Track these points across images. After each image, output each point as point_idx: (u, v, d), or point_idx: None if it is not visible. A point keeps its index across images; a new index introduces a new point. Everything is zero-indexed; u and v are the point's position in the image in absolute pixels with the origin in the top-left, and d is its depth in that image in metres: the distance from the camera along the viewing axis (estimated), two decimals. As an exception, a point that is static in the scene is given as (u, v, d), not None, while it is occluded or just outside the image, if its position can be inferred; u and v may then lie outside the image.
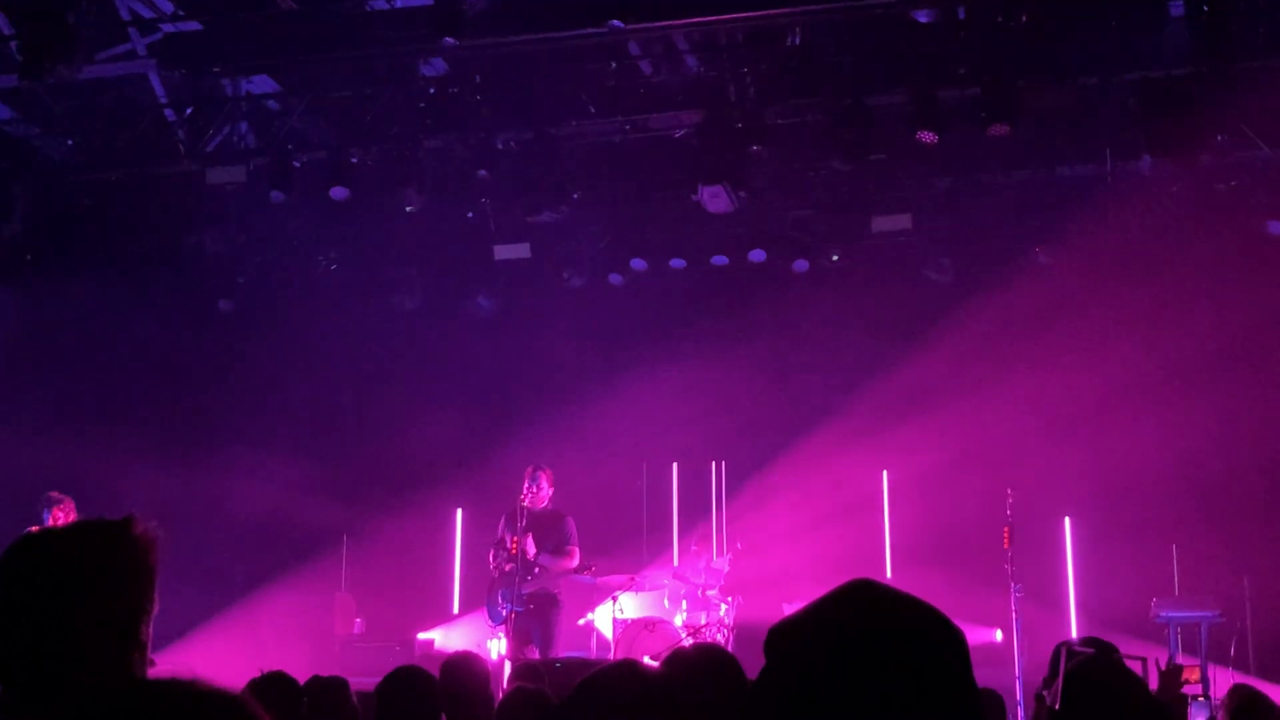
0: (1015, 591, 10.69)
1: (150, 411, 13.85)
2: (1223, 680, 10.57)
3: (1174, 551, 12.08)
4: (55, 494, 10.77)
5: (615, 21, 10.15)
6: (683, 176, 12.00)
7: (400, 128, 11.92)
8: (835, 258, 13.32)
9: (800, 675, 1.66)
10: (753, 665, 1.98)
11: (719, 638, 11.18)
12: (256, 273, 14.10)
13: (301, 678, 5.67)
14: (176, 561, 2.33)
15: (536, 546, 10.85)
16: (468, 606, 12.99)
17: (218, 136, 12.51)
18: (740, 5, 10.41)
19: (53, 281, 13.53)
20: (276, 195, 11.92)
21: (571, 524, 11.14)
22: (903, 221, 12.65)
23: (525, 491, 10.92)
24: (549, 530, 11.01)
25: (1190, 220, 12.18)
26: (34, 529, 10.31)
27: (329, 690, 5.60)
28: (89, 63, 10.65)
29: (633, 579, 11.97)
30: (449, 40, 10.29)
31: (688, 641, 10.79)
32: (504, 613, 10.78)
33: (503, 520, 11.15)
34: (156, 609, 2.24)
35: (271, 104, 12.65)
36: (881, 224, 12.67)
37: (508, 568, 10.81)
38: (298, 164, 12.08)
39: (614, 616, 11.66)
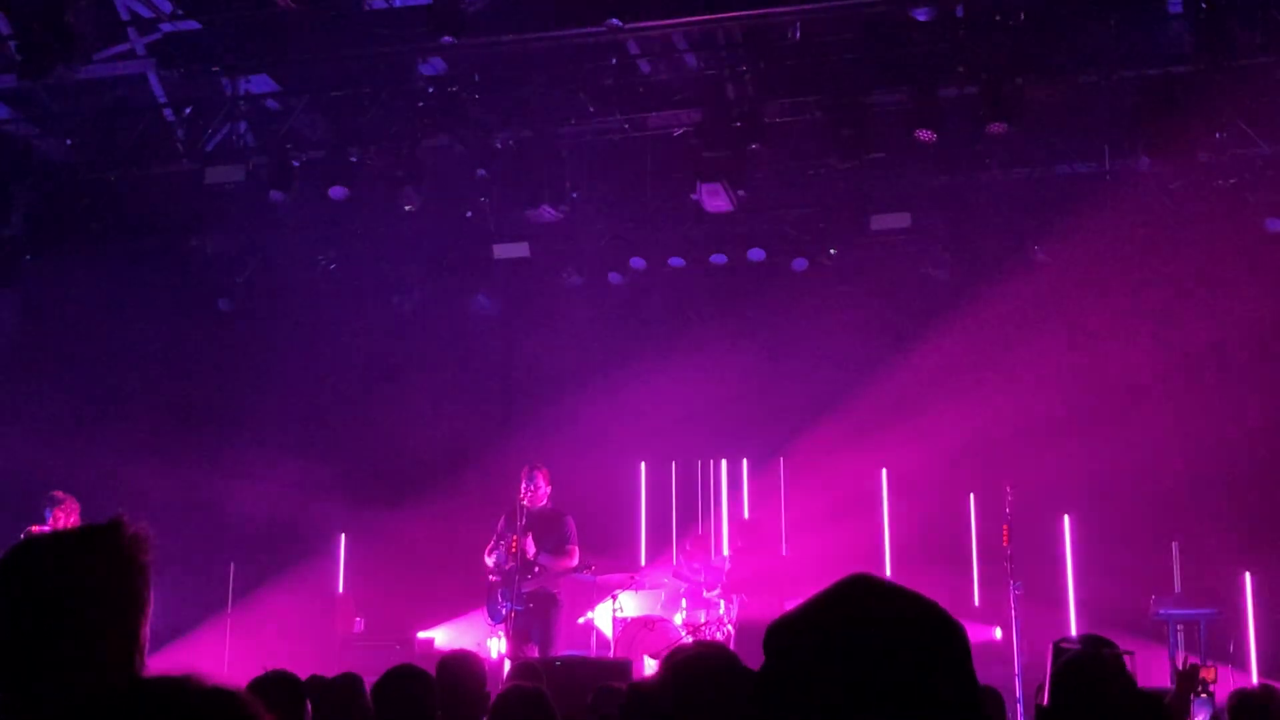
0: (1015, 589, 10.70)
1: (150, 411, 13.85)
2: (1222, 678, 10.59)
3: (1173, 549, 12.08)
4: (59, 493, 10.79)
5: (614, 20, 10.15)
6: (682, 175, 12.01)
7: (399, 127, 11.92)
8: (833, 251, 13.31)
9: (799, 671, 1.66)
10: (753, 663, 1.98)
11: (719, 636, 11.19)
12: (256, 272, 14.10)
13: (302, 676, 5.67)
14: (177, 560, 2.34)
15: (536, 546, 10.86)
16: (467, 605, 12.99)
17: (217, 136, 12.51)
18: (739, 4, 10.42)
19: (52, 281, 13.54)
20: (276, 195, 11.92)
21: (571, 523, 11.14)
22: (902, 220, 12.65)
23: (523, 491, 10.92)
24: (548, 529, 11.02)
25: (1189, 218, 12.18)
26: (35, 528, 10.40)
27: (343, 689, 5.60)
28: (88, 62, 10.66)
29: (632, 577, 11.99)
30: (448, 39, 10.29)
31: (687, 640, 10.81)
32: (504, 611, 10.79)
33: (502, 519, 11.15)
34: (152, 607, 2.26)
35: (271, 103, 12.65)
36: (880, 222, 12.67)
37: (508, 567, 10.82)
38: (297, 163, 12.08)
39: (614, 615, 11.68)
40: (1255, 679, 11.27)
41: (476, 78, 11.84)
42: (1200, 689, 7.39)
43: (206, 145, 12.44)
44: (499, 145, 11.91)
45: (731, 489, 14.27)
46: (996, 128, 10.62)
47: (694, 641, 9.05)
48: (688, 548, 13.17)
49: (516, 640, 10.57)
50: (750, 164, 11.59)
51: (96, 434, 12.91)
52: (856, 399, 13.23)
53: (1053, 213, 12.49)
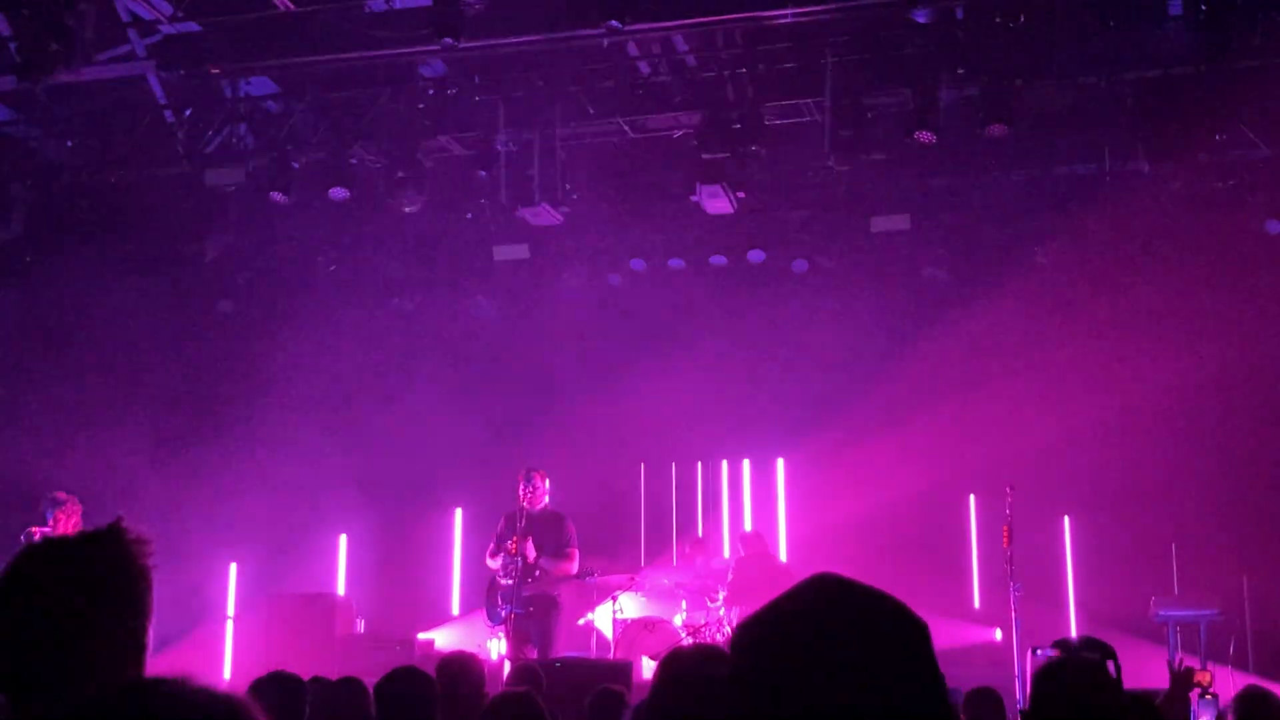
0: (1015, 590, 10.69)
1: (150, 412, 13.84)
2: (1221, 679, 10.59)
3: (1173, 551, 12.10)
4: (60, 494, 10.78)
5: (613, 22, 10.14)
6: (681, 177, 12.01)
7: (399, 128, 11.93)
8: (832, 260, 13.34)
9: (764, 667, 1.66)
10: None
11: (719, 638, 11.19)
12: (256, 273, 14.11)
13: (303, 677, 5.67)
14: (176, 561, 2.36)
15: (536, 549, 10.85)
16: (467, 607, 13.00)
17: (217, 137, 12.52)
18: (738, 6, 10.42)
19: (52, 282, 13.53)
20: (276, 196, 11.93)
21: (571, 526, 11.13)
22: (901, 221, 12.66)
23: (522, 493, 10.91)
24: (549, 532, 11.01)
25: (1189, 219, 12.18)
26: (35, 529, 10.40)
27: (346, 693, 5.60)
28: (88, 64, 10.66)
29: (632, 579, 11.98)
30: (448, 41, 10.29)
31: (688, 641, 10.80)
32: (503, 613, 10.78)
33: (502, 521, 11.14)
34: (154, 610, 2.28)
35: (270, 105, 12.65)
36: (880, 224, 12.68)
37: (510, 572, 10.77)
38: (297, 165, 12.09)
39: (614, 616, 11.67)
40: (1255, 680, 11.26)
41: (476, 79, 11.85)
42: (1203, 691, 7.40)
43: (207, 147, 12.45)
44: (499, 147, 11.91)
45: (732, 491, 14.27)
46: (996, 129, 10.62)
47: (693, 644, 9.06)
48: (688, 549, 13.17)
49: (516, 642, 10.56)
50: (750, 165, 11.60)
51: (97, 435, 12.91)
52: (856, 400, 13.23)
53: (1052, 214, 12.50)
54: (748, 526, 13.78)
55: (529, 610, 10.69)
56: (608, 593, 11.82)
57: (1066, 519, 12.97)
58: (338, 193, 11.88)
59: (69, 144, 12.83)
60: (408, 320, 14.25)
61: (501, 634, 10.87)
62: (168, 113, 12.43)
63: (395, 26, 11.02)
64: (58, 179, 12.86)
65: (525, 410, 14.01)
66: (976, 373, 12.74)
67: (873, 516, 13.67)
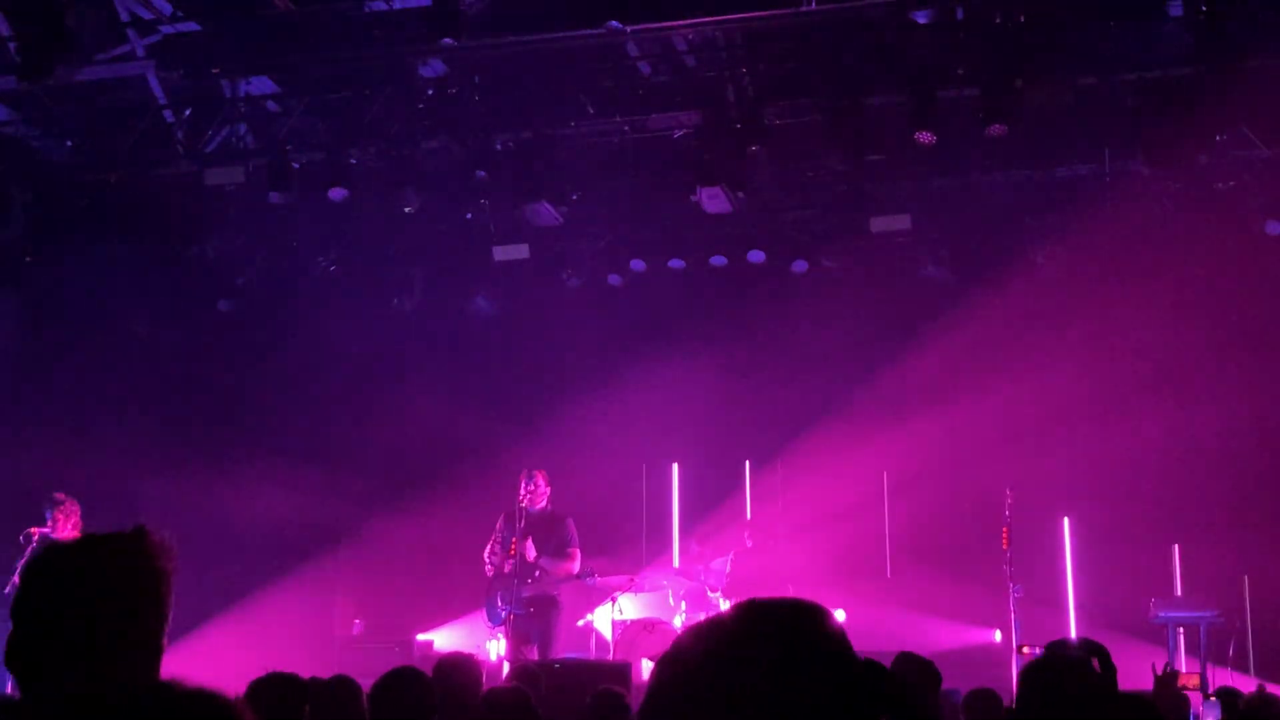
0: (1014, 592, 10.69)
1: (149, 412, 13.84)
2: (1222, 681, 10.57)
3: (1173, 552, 12.08)
4: (59, 495, 10.79)
5: (613, 22, 10.15)
6: (681, 177, 12.00)
7: (399, 128, 11.92)
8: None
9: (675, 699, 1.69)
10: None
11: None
12: (256, 273, 14.11)
13: (301, 677, 5.66)
14: (176, 561, 2.36)
15: (536, 549, 10.84)
16: (467, 608, 12.99)
17: (216, 137, 12.52)
18: (738, 6, 10.41)
19: (52, 282, 13.53)
20: (275, 196, 11.92)
21: (572, 526, 11.12)
22: (901, 222, 12.65)
23: (523, 493, 10.91)
24: (549, 532, 11.00)
25: (1188, 220, 12.18)
26: (35, 530, 10.40)
27: (338, 694, 5.59)
28: (88, 64, 10.67)
29: (632, 580, 11.97)
30: (447, 41, 10.30)
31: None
32: (503, 614, 10.78)
33: (501, 519, 11.14)
34: (171, 614, 2.30)
35: (270, 105, 12.65)
36: (880, 224, 12.67)
37: (507, 568, 10.80)
38: (296, 165, 12.08)
39: (613, 618, 11.66)
40: (1256, 682, 11.25)
41: (476, 79, 11.84)
42: (1208, 694, 7.40)
43: (206, 146, 12.44)
44: (498, 147, 11.91)
45: (732, 491, 14.25)
46: (996, 130, 10.61)
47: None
48: (694, 549, 13.16)
49: (516, 643, 10.56)
50: (750, 166, 11.59)
51: (96, 435, 12.90)
52: (856, 401, 13.23)
53: (1052, 215, 12.49)
54: (748, 522, 13.77)
55: (529, 610, 10.69)
56: (607, 594, 11.81)
57: (1066, 520, 12.95)
58: (337, 193, 11.87)
59: (69, 144, 12.83)
60: (407, 320, 14.24)
61: (501, 635, 10.86)
62: (167, 113, 12.42)
63: (395, 26, 11.03)
64: (57, 179, 12.86)
65: (525, 410, 14.00)
66: (976, 373, 12.72)
67: (873, 517, 13.67)
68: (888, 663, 6.71)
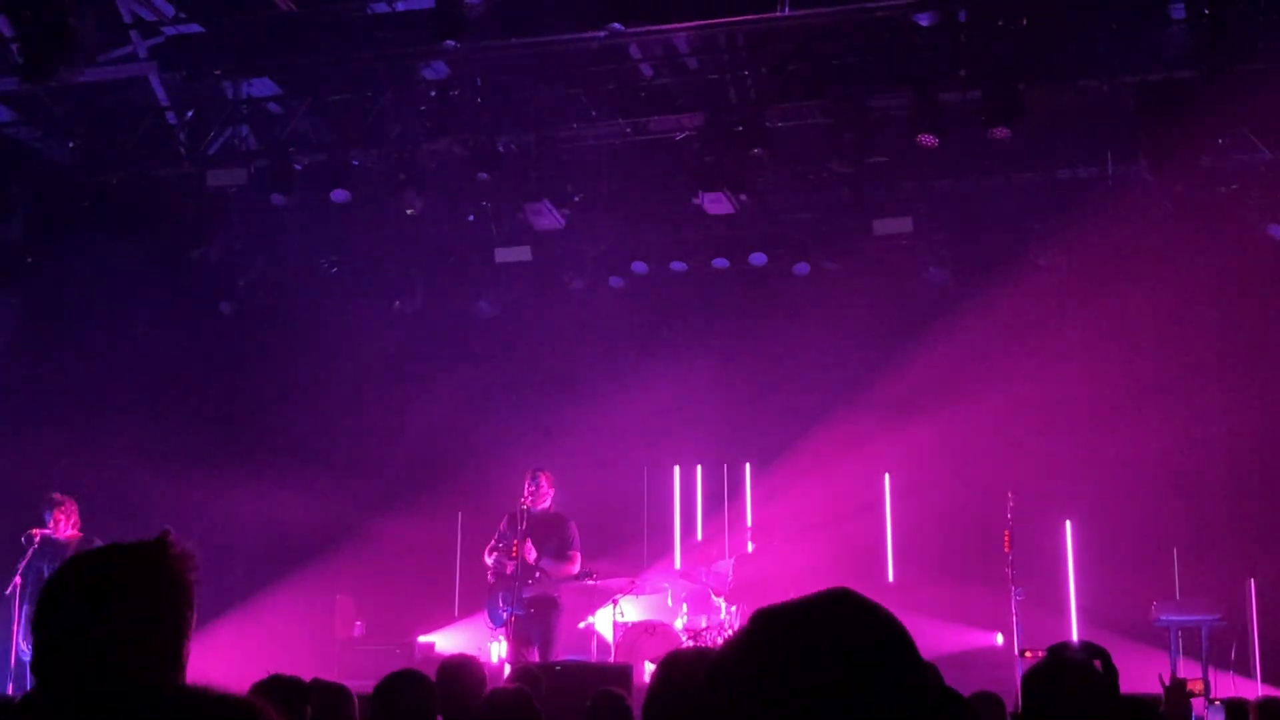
0: (1016, 595, 10.68)
1: (150, 413, 13.83)
2: (1223, 685, 10.57)
3: (1175, 555, 12.07)
4: (57, 495, 10.79)
5: (616, 24, 10.15)
6: (683, 179, 12.00)
7: (401, 130, 11.93)
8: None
9: (771, 663, 1.70)
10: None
11: (720, 641, 11.17)
12: (257, 275, 14.10)
13: (303, 680, 5.65)
14: (198, 572, 2.36)
15: (537, 550, 10.85)
16: (468, 609, 12.99)
17: (219, 139, 12.52)
18: (740, 8, 10.41)
19: (53, 284, 13.54)
20: (277, 198, 11.92)
21: (573, 527, 11.13)
22: (903, 224, 12.64)
23: (526, 493, 10.91)
24: (550, 534, 11.00)
25: (1190, 223, 12.16)
26: (36, 531, 10.40)
27: (330, 698, 5.59)
28: (90, 65, 10.65)
29: (633, 582, 11.96)
30: (450, 43, 10.30)
31: (688, 645, 10.79)
32: (504, 615, 10.78)
33: (504, 521, 11.14)
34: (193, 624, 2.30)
35: (272, 106, 12.65)
36: (882, 227, 12.66)
37: (509, 569, 10.81)
38: (298, 166, 12.09)
39: (614, 620, 11.66)
40: (1259, 686, 11.24)
41: (478, 81, 11.84)
42: (1209, 698, 7.39)
43: (208, 148, 12.45)
44: (501, 149, 11.90)
45: (734, 494, 14.25)
46: (998, 132, 10.61)
47: (692, 647, 9.04)
48: (694, 552, 13.15)
49: (517, 644, 10.56)
50: (752, 168, 11.58)
51: (97, 436, 12.90)
52: (858, 403, 13.22)
53: (1054, 217, 12.48)
54: (749, 527, 13.77)
55: (529, 611, 10.69)
56: (608, 596, 11.81)
57: (1068, 523, 12.95)
58: (339, 194, 11.87)
59: (70, 145, 12.83)
60: (409, 322, 14.23)
61: (502, 636, 10.86)
62: (169, 114, 12.43)
63: (397, 28, 11.03)
64: (59, 180, 12.86)
65: (527, 413, 14.00)
66: (978, 375, 12.72)
67: (874, 519, 13.67)
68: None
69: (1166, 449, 12.36)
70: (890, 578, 13.55)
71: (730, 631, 11.39)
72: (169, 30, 11.38)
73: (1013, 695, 9.87)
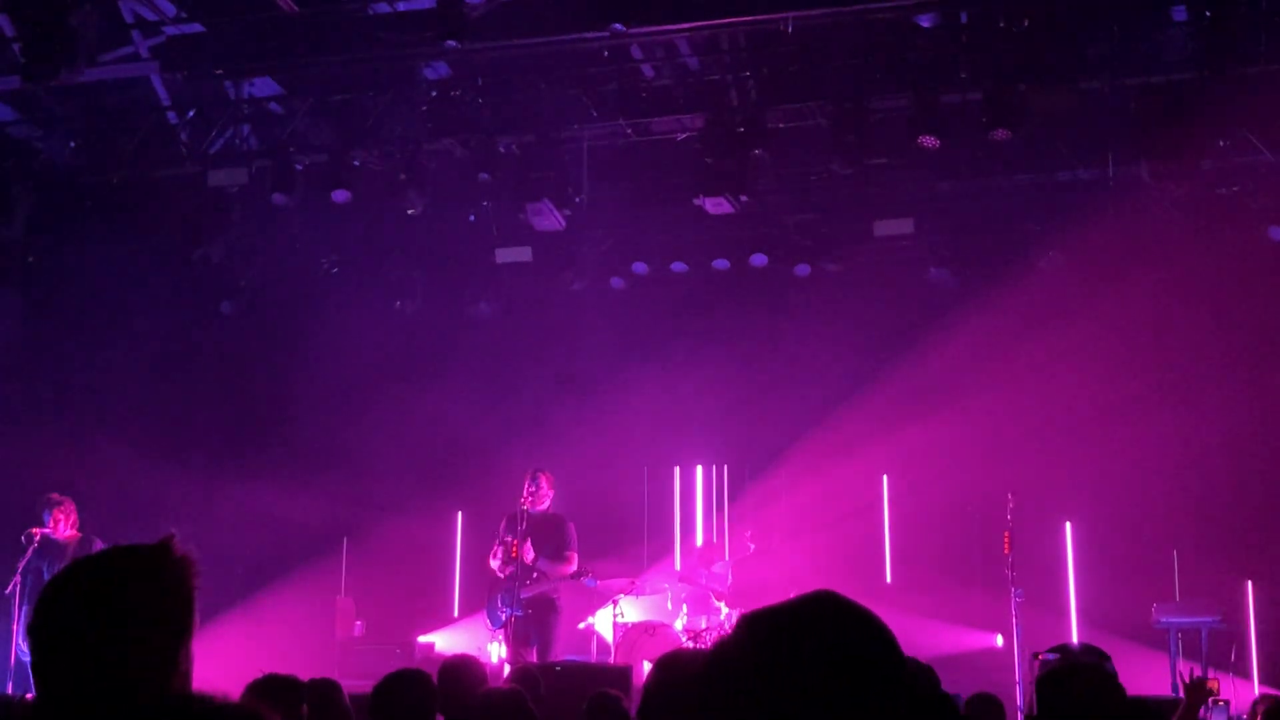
0: (1016, 596, 10.68)
1: (151, 413, 13.85)
2: (1223, 686, 10.56)
3: (1175, 556, 12.07)
4: (55, 495, 10.80)
5: (617, 25, 10.16)
6: (684, 180, 12.00)
7: (402, 130, 11.93)
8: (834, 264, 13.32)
9: (760, 663, 1.72)
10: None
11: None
12: (258, 275, 14.11)
13: (302, 679, 5.66)
14: (199, 577, 2.36)
15: (536, 550, 10.85)
16: (467, 610, 12.99)
17: (220, 139, 12.53)
18: (742, 9, 10.41)
19: (54, 283, 13.54)
20: (278, 197, 11.93)
21: (571, 528, 11.13)
22: (904, 226, 12.64)
23: (525, 494, 10.92)
24: (548, 534, 11.01)
25: (1191, 225, 12.17)
26: (36, 530, 10.40)
27: (320, 692, 5.59)
28: (91, 65, 10.67)
29: (633, 583, 11.96)
30: (451, 43, 10.30)
31: (688, 646, 10.79)
32: (503, 616, 10.79)
33: (503, 522, 11.15)
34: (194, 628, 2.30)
35: (274, 106, 12.66)
36: (883, 228, 12.66)
37: (508, 571, 10.82)
38: (300, 166, 12.10)
39: (614, 620, 11.65)
40: (1257, 688, 11.25)
41: (479, 82, 11.85)
42: (1215, 699, 7.38)
43: (210, 148, 12.46)
44: (502, 149, 11.91)
45: (734, 495, 14.25)
46: (1000, 134, 10.61)
47: (691, 647, 9.04)
48: (694, 553, 13.15)
49: (516, 645, 10.56)
50: (753, 169, 11.58)
51: (97, 436, 12.91)
52: (858, 404, 13.21)
53: (1055, 219, 12.48)
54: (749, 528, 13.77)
55: (528, 612, 10.69)
56: (608, 597, 11.81)
57: (1068, 525, 12.95)
58: (340, 194, 11.88)
59: (72, 145, 12.84)
60: (409, 322, 14.24)
61: (501, 637, 10.86)
62: (171, 114, 12.44)
63: (398, 28, 11.04)
64: (60, 179, 12.87)
65: (527, 413, 14.00)
66: (978, 377, 12.72)
67: (874, 520, 13.66)
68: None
69: (1166, 450, 12.36)
70: (889, 579, 13.54)
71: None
72: (170, 30, 11.39)
73: (1012, 697, 9.90)
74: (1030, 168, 12.37)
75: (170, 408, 14.12)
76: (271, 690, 4.99)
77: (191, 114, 12.50)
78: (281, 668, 5.45)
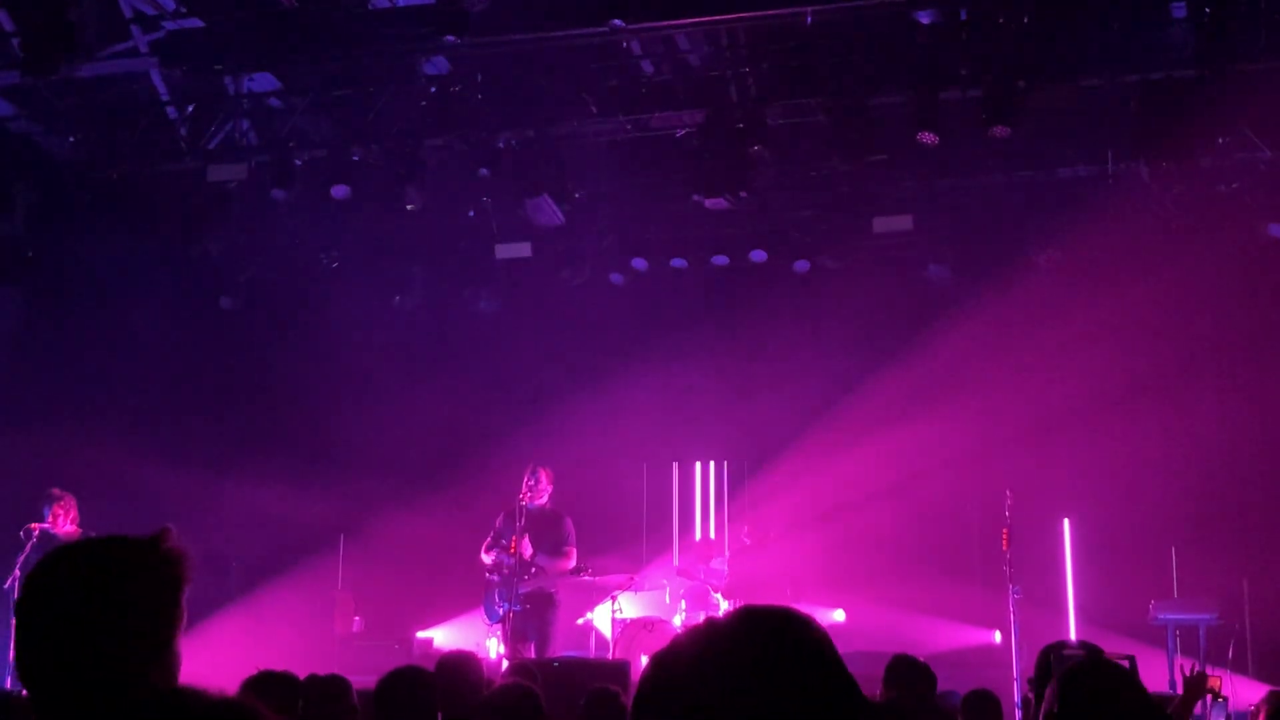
0: (1014, 593, 10.69)
1: (151, 408, 13.85)
2: (1221, 683, 10.56)
3: (1173, 554, 12.08)
4: (56, 491, 10.80)
5: (617, 21, 10.16)
6: (684, 176, 12.00)
7: (402, 126, 11.92)
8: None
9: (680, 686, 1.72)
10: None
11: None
12: (257, 271, 14.11)
13: (300, 675, 5.67)
14: (190, 568, 2.35)
15: (534, 546, 10.86)
16: (467, 605, 13.00)
17: (219, 134, 12.52)
18: (742, 5, 10.41)
19: (54, 279, 13.54)
20: (278, 193, 11.93)
21: (569, 524, 11.14)
22: (904, 222, 12.65)
23: (524, 489, 10.93)
24: (547, 530, 11.02)
25: (1191, 222, 12.17)
26: (35, 526, 10.40)
27: (328, 690, 5.60)
28: (91, 60, 10.67)
29: (632, 579, 11.98)
30: (451, 39, 10.31)
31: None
32: (501, 611, 10.80)
33: (501, 518, 11.16)
34: (184, 620, 2.28)
35: (273, 102, 12.65)
36: (882, 225, 12.67)
37: (499, 565, 10.83)
38: (299, 162, 12.09)
39: (613, 616, 11.67)
40: (1253, 684, 11.25)
41: (479, 77, 11.83)
42: (1215, 696, 7.38)
43: (209, 143, 12.45)
44: (501, 145, 11.91)
45: (732, 490, 14.27)
46: (999, 131, 10.61)
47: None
48: (693, 548, 13.16)
49: (513, 640, 10.57)
50: (752, 166, 11.58)
51: (97, 431, 12.90)
52: (857, 401, 13.22)
53: (1054, 216, 12.48)
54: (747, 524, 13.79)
55: (526, 607, 10.71)
56: (607, 592, 11.82)
57: (1066, 521, 12.95)
58: (339, 190, 11.87)
59: (72, 139, 12.83)
60: (409, 318, 14.25)
61: (499, 632, 10.88)
62: (170, 109, 12.43)
63: (398, 24, 11.04)
64: (60, 174, 12.86)
65: (526, 409, 14.01)
66: (977, 373, 12.73)
67: (874, 517, 13.67)
68: (885, 663, 6.73)
69: (1165, 448, 12.37)
70: (888, 574, 13.55)
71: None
72: (170, 25, 11.39)
73: (1010, 694, 9.91)
74: (1029, 165, 12.37)
75: (169, 403, 14.12)
76: (267, 686, 5.00)
77: (191, 109, 12.49)
78: (280, 663, 5.47)
